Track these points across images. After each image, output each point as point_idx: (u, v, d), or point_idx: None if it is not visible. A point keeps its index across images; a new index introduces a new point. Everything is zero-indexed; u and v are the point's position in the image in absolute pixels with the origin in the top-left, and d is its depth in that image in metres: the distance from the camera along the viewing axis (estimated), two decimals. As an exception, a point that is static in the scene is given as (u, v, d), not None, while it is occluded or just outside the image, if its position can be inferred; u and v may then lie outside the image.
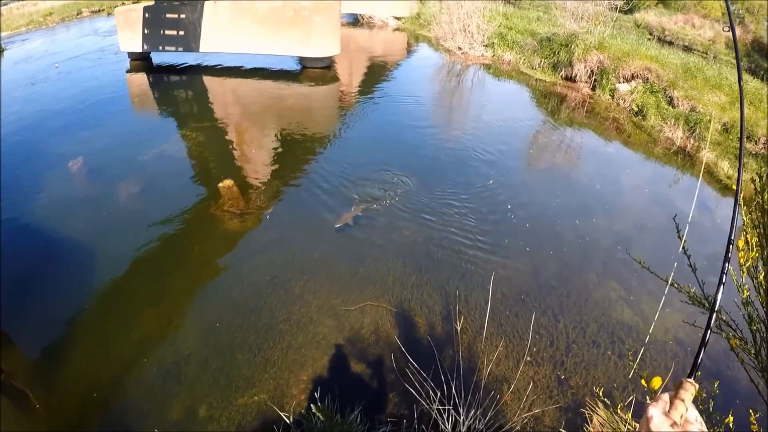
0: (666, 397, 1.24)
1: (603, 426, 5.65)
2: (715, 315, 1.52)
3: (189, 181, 11.42)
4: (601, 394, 3.50)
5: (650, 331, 6.89)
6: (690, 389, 1.22)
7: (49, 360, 6.83)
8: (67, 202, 10.47)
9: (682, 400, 1.20)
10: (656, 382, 2.01)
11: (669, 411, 1.21)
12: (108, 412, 6.22)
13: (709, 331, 1.55)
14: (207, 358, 6.77)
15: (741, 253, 2.53)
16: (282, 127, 14.66)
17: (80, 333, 7.26)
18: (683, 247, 2.69)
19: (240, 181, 10.96)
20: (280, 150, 13.21)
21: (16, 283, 8.11)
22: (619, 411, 5.67)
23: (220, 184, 10.53)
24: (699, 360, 1.36)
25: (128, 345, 7.04)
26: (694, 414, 1.21)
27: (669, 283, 2.90)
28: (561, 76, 18.58)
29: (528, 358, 6.65)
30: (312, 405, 4.50)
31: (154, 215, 9.87)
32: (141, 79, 19.14)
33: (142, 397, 6.30)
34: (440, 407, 5.19)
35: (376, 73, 20.49)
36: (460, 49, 21.88)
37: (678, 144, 13.59)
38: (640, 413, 5.41)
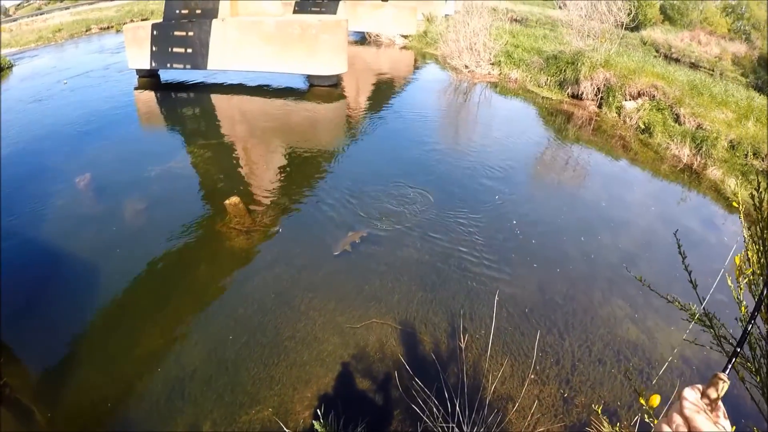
0: (698, 387, 1.24)
1: (608, 444, 5.59)
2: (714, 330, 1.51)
3: (195, 198, 11.49)
4: (600, 412, 3.46)
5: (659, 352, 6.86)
6: (723, 384, 1.20)
7: (53, 376, 6.83)
8: (73, 218, 10.53)
9: (711, 395, 1.20)
10: (654, 400, 2.00)
11: (710, 409, 1.19)
12: (111, 429, 6.20)
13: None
14: (211, 374, 6.77)
15: (738, 269, 2.53)
16: (289, 145, 14.75)
17: (85, 349, 7.27)
18: (684, 263, 2.70)
19: (246, 198, 11.02)
20: (286, 167, 13.28)
21: (21, 299, 8.14)
22: (624, 431, 5.63)
23: (227, 201, 10.57)
24: (734, 358, 1.35)
25: (132, 361, 7.05)
26: (723, 410, 1.19)
27: (668, 300, 2.90)
28: (567, 94, 18.66)
29: (533, 377, 6.62)
30: (315, 422, 4.47)
31: (160, 232, 9.92)
32: (149, 96, 19.35)
33: (145, 414, 6.28)
34: (444, 425, 5.17)
35: (383, 91, 20.63)
36: (466, 67, 22.01)
37: (685, 161, 13.58)
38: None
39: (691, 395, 1.18)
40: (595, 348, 7.27)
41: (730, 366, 1.30)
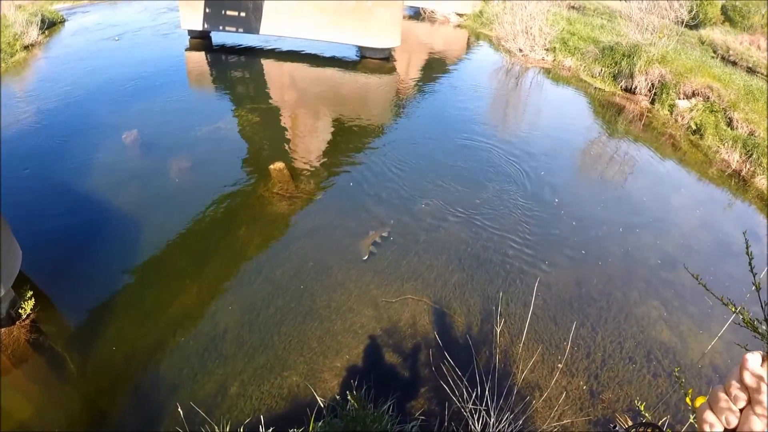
0: (761, 353, 1.00)
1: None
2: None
3: (240, 161, 11.63)
4: (642, 408, 3.50)
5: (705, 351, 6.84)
6: None
7: (88, 327, 7.06)
8: (118, 173, 10.70)
9: None
10: (701, 401, 2.02)
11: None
12: (141, 382, 6.41)
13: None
14: (244, 336, 6.94)
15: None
16: (337, 115, 14.80)
17: (121, 303, 7.47)
18: (750, 264, 2.66)
19: (291, 165, 11.15)
20: (332, 138, 13.36)
21: (62, 249, 8.39)
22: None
23: (272, 166, 10.70)
24: None
25: (167, 318, 7.25)
26: None
27: (723, 302, 2.89)
28: (620, 87, 18.29)
29: (562, 367, 6.65)
30: (347, 392, 4.59)
31: (203, 192, 10.10)
32: (199, 57, 19.52)
33: (176, 371, 6.47)
34: (472, 407, 5.24)
35: (434, 68, 20.50)
36: (520, 50, 21.72)
37: (733, 167, 13.25)
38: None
39: (755, 361, 0.98)
40: (627, 345, 7.26)
41: None
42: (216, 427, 4.15)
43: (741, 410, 0.98)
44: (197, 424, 5.29)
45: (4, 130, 11.78)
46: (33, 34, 18.97)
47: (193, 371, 6.43)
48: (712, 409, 1.01)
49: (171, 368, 6.51)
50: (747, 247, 2.54)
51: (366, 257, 8.52)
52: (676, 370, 4.04)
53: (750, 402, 0.97)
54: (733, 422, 0.98)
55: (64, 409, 6.09)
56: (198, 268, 8.22)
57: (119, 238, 8.77)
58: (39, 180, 10.13)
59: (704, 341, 7.42)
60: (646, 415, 3.93)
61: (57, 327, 7.03)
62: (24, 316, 6.84)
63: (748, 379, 0.96)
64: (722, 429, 0.99)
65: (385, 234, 9.04)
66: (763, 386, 0.95)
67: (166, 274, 8.11)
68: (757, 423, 0.95)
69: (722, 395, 1.00)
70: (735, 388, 0.98)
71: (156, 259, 8.37)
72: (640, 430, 1.26)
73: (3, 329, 6.62)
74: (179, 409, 4.29)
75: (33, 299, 6.97)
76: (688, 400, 2.21)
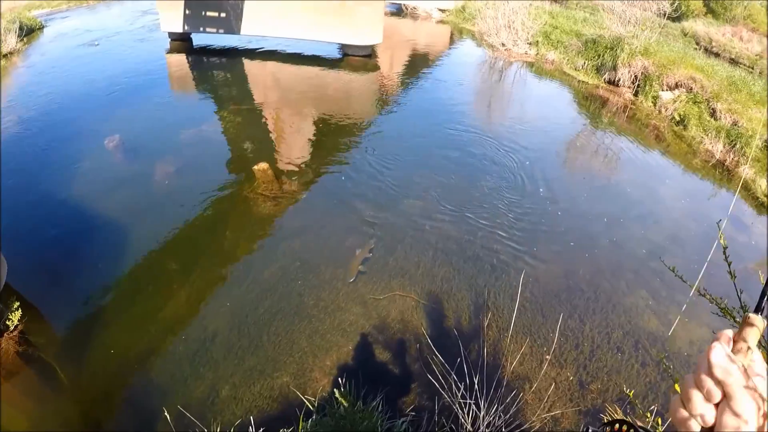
0: (728, 333, 0.95)
1: (622, 433, 5.64)
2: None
3: (224, 162, 11.57)
4: (631, 395, 3.50)
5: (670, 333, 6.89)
6: (758, 325, 0.93)
7: (78, 336, 6.99)
8: (102, 179, 10.58)
9: (745, 340, 0.93)
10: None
11: (733, 351, 0.92)
12: (133, 389, 6.37)
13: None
14: (233, 338, 6.92)
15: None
16: (320, 114, 14.75)
17: (111, 310, 7.41)
18: (725, 254, 2.70)
19: (275, 166, 11.11)
20: (317, 137, 13.32)
21: (49, 259, 8.31)
22: (639, 422, 5.67)
23: (256, 167, 10.67)
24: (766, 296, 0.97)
25: (157, 324, 7.20)
26: (758, 356, 0.93)
27: (695, 289, 2.91)
28: (604, 80, 18.38)
29: (552, 359, 6.67)
30: (335, 390, 4.57)
31: (189, 195, 10.02)
32: (180, 59, 19.33)
33: (167, 376, 6.45)
34: (461, 401, 5.25)
35: (418, 64, 20.49)
36: (503, 45, 21.75)
37: (717, 157, 13.35)
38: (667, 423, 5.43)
39: (721, 352, 0.91)
40: (615, 336, 7.29)
41: (765, 305, 0.98)
42: (206, 430, 4.12)
43: (716, 404, 0.92)
44: (189, 427, 5.27)
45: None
46: (11, 42, 18.67)
47: (184, 376, 6.41)
48: (685, 407, 0.95)
49: (162, 373, 6.49)
50: (721, 237, 2.55)
51: (353, 279, 8.01)
52: (662, 356, 4.02)
53: (725, 396, 0.90)
54: (710, 420, 0.92)
55: (60, 420, 6.03)
56: (186, 273, 8.17)
57: (106, 246, 8.67)
58: (23, 189, 9.98)
59: (693, 330, 7.47)
60: (637, 404, 3.94)
61: (46, 337, 6.93)
62: (11, 328, 6.74)
63: (719, 373, 0.90)
64: (699, 429, 0.93)
65: (369, 253, 8.57)
66: (734, 377, 0.89)
67: (155, 279, 8.04)
68: (733, 420, 0.89)
69: (694, 392, 0.93)
70: (707, 382, 0.91)
71: (144, 265, 8.31)
72: (615, 428, 1.20)
73: (-8, 342, 6.54)
74: (169, 414, 4.25)
75: (20, 310, 6.86)
76: (677, 387, 2.21)
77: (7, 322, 6.72)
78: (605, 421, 1.30)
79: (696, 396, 0.93)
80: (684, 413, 0.94)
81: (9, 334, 6.69)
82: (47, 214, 9.35)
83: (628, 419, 1.23)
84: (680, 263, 8.86)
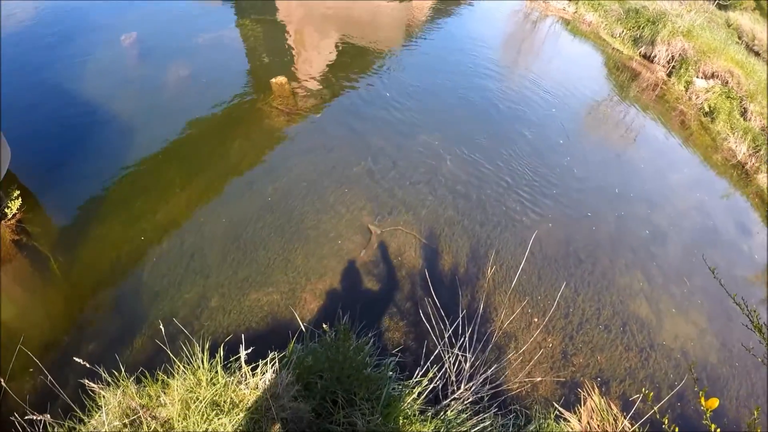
0: None
1: (593, 412, 5.72)
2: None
3: (241, 72, 11.32)
4: (650, 398, 3.48)
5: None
6: None
7: (74, 228, 6.98)
8: (114, 75, 10.36)
9: None
10: (713, 403, 1.96)
11: None
12: (123, 288, 6.36)
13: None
14: (229, 249, 6.91)
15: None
16: (343, 35, 14.27)
17: (109, 207, 7.36)
18: (712, 270, 2.61)
19: (293, 81, 10.88)
20: (337, 58, 12.94)
21: (53, 149, 8.21)
22: (613, 405, 5.76)
23: (273, 80, 10.45)
24: None
25: (154, 225, 7.16)
26: None
27: (735, 302, 2.84)
28: (639, 53, 17.84)
29: (541, 324, 6.69)
30: (334, 321, 4.54)
31: (201, 100, 9.86)
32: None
33: (158, 278, 6.44)
34: (450, 350, 5.25)
35: (451, 1, 19.84)
36: (543, -4, 21.10)
37: (739, 158, 13.10)
38: (633, 411, 5.51)
39: None
40: (605, 313, 7.31)
41: None
42: (196, 344, 4.09)
43: None
44: (176, 335, 5.28)
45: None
46: None
47: (176, 280, 6.42)
48: None
49: (154, 275, 6.48)
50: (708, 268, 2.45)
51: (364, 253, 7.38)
52: (691, 365, 3.99)
53: None
54: None
55: (46, 311, 6.06)
56: (189, 177, 8.06)
57: (111, 142, 8.54)
58: (32, 79, 9.78)
59: (679, 324, 7.50)
60: (653, 405, 3.93)
61: (43, 228, 6.92)
62: (9, 216, 6.76)
63: None
64: None
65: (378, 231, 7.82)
66: None
67: (157, 180, 7.95)
68: None
69: None
70: None
71: (147, 165, 8.22)
72: None
73: (-13, 228, 6.51)
74: (160, 324, 4.22)
75: (20, 199, 6.88)
76: (702, 400, 2.16)
77: (6, 210, 6.75)
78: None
79: None
80: None
81: (6, 222, 6.72)
82: (55, 105, 9.16)
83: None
84: (677, 252, 8.91)
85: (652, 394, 4.83)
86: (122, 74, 10.46)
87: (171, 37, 12.24)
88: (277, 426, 3.78)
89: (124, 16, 12.84)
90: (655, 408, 4.87)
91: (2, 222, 6.69)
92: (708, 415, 2.12)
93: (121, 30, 11.83)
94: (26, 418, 3.42)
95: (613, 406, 5.77)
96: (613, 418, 5.55)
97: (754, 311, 2.81)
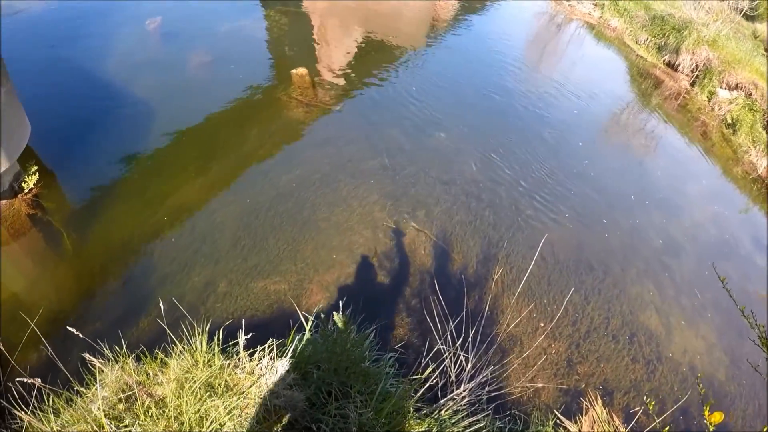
0: None
1: (594, 422, 5.66)
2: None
3: (262, 61, 11.39)
4: (651, 407, 3.42)
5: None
6: None
7: (88, 208, 7.04)
8: (137, 59, 10.46)
9: None
10: (718, 417, 1.92)
11: None
12: (132, 268, 6.41)
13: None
14: (240, 236, 6.93)
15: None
16: (367, 30, 14.25)
17: (124, 189, 7.41)
18: (722, 280, 2.55)
19: (313, 73, 10.87)
20: (359, 52, 12.94)
21: (73, 129, 8.27)
22: (615, 417, 5.69)
23: (294, 71, 10.45)
24: None
25: (167, 209, 7.20)
26: None
27: (744, 315, 2.78)
28: (663, 61, 17.66)
29: (547, 329, 6.63)
30: (334, 312, 4.52)
31: (221, 88, 9.92)
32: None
33: (168, 261, 6.48)
34: (452, 349, 5.21)
35: (476, 1, 19.73)
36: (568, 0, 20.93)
37: (759, 172, 12.90)
38: (634, 423, 5.44)
39: None
40: (614, 322, 7.22)
41: None
42: (197, 326, 4.09)
43: None
44: (181, 318, 5.29)
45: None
46: None
47: (185, 264, 6.45)
48: None
49: (164, 258, 6.52)
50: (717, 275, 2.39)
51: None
52: (699, 376, 3.94)
53: None
54: None
55: (55, 286, 6.11)
56: (204, 163, 8.12)
57: (129, 124, 8.63)
58: (55, 57, 9.88)
59: (689, 338, 7.40)
60: (654, 416, 3.89)
61: (58, 204, 7.00)
62: (26, 190, 6.84)
63: None
64: None
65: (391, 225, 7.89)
66: None
67: (173, 164, 8.02)
68: None
69: None
70: None
71: (164, 148, 8.29)
72: None
73: (4, 201, 6.62)
74: (161, 304, 4.22)
75: (37, 174, 6.95)
76: (706, 413, 2.12)
77: (23, 185, 6.82)
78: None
79: None
80: None
81: (23, 196, 6.81)
82: (77, 84, 9.29)
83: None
84: (691, 265, 8.79)
85: (654, 402, 4.79)
86: (146, 57, 10.56)
87: (195, 24, 12.33)
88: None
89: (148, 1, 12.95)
90: (657, 420, 4.80)
91: (19, 196, 6.76)
92: (711, 429, 2.08)
93: (146, 14, 11.95)
94: (17, 380, 3.42)
95: (615, 418, 5.71)
96: (614, 430, 5.49)
97: (762, 326, 2.75)
